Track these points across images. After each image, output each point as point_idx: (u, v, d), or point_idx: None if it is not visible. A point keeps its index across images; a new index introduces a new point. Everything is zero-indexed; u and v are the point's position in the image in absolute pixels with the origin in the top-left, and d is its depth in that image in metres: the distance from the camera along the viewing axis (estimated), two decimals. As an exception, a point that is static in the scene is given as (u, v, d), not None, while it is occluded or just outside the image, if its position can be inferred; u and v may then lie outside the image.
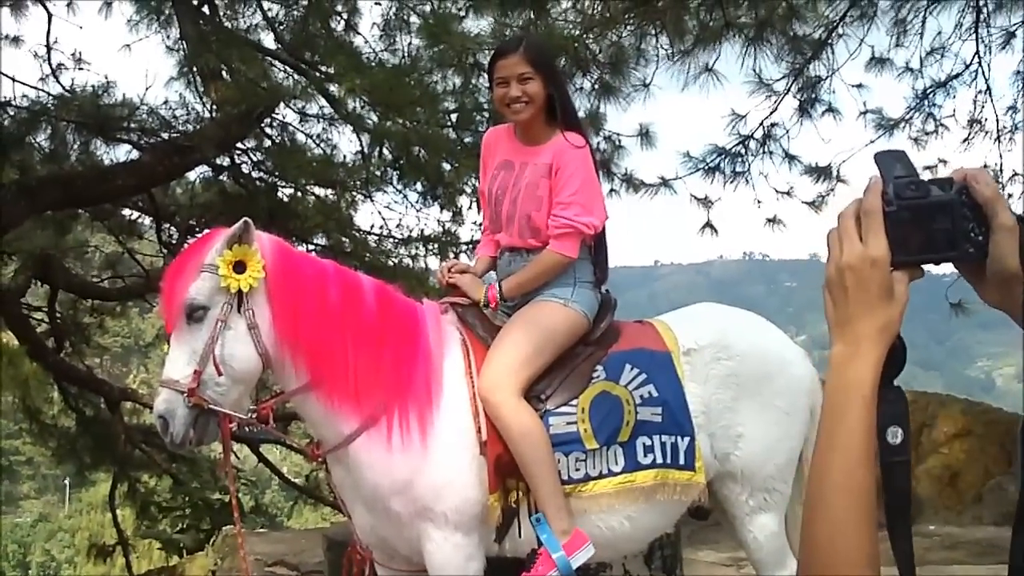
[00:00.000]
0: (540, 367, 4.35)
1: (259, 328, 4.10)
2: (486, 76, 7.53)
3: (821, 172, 12.37)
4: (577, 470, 4.31)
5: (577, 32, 10.46)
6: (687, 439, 4.46)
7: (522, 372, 4.28)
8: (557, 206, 4.44)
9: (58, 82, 11.96)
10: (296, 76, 10.80)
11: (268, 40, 11.36)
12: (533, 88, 4.43)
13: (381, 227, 12.54)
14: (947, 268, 1.59)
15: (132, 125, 10.71)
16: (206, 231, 4.48)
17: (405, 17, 11.27)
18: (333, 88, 10.35)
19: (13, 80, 10.91)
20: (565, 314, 4.46)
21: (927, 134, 12.53)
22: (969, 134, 12.50)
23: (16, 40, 12.28)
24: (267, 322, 4.12)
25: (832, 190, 12.43)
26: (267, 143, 11.99)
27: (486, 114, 10.28)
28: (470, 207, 11.91)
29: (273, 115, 11.44)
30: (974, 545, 9.19)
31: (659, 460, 4.41)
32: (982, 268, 1.51)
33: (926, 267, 1.53)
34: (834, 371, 1.51)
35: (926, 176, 1.53)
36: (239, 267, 4.06)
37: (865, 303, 1.49)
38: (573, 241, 4.47)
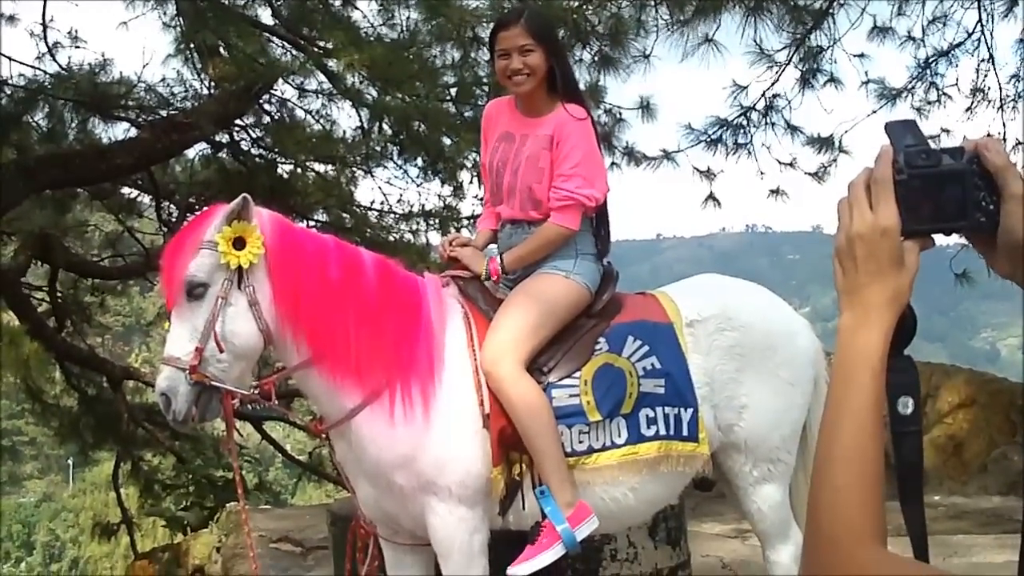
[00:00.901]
0: (543, 340, 4.33)
1: (260, 304, 4.09)
2: (486, 49, 7.51)
3: (823, 143, 12.32)
4: (580, 442, 4.30)
5: (576, 4, 10.40)
6: (690, 410, 4.44)
7: (525, 345, 4.26)
8: (559, 178, 4.41)
9: (55, 61, 11.89)
10: (294, 52, 10.76)
11: (265, 15, 11.31)
12: (534, 60, 4.40)
13: (382, 202, 12.55)
14: (952, 238, 1.58)
15: (130, 103, 10.69)
16: (205, 208, 4.45)
17: (403, -9, 11.21)
18: (332, 63, 10.30)
19: (10, 59, 10.87)
20: (567, 286, 4.44)
21: (930, 103, 12.50)
22: (972, 103, 12.48)
23: (12, 19, 12.21)
24: (268, 298, 4.11)
25: (835, 160, 12.39)
26: (266, 119, 11.98)
27: (486, 88, 10.25)
28: (471, 181, 11.91)
29: (271, 91, 11.42)
30: (979, 515, 9.18)
31: (662, 432, 4.39)
32: (993, 238, 1.49)
33: (935, 237, 1.52)
34: (842, 340, 1.50)
35: (934, 146, 1.50)
36: (239, 243, 4.04)
37: (875, 272, 1.48)
38: (575, 213, 4.44)
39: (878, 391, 1.47)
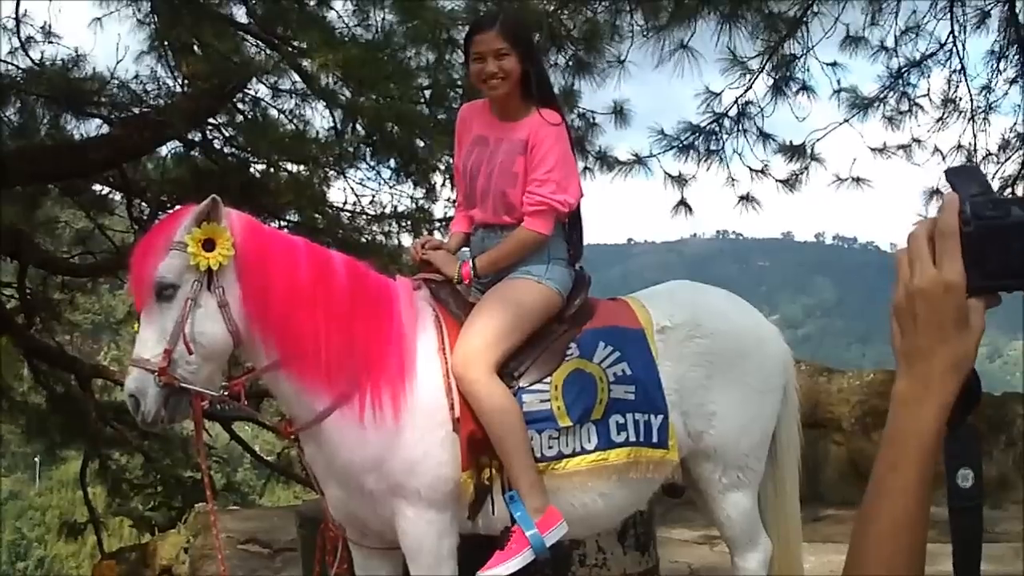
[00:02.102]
0: (514, 344, 4.33)
1: (229, 306, 4.07)
2: (460, 52, 7.50)
3: (795, 151, 12.36)
4: (550, 448, 4.30)
5: (551, 8, 10.42)
6: (660, 417, 4.45)
7: (496, 349, 4.26)
8: (532, 183, 4.42)
9: (27, 56, 11.80)
10: (268, 51, 10.72)
11: (240, 14, 11.25)
12: (509, 64, 4.41)
13: (354, 204, 12.51)
14: None
15: (103, 99, 10.63)
16: (176, 208, 4.44)
17: (378, -8, 11.20)
18: (306, 63, 10.28)
19: (-18, 54, 10.81)
20: (539, 291, 4.45)
21: (901, 113, 12.55)
22: (943, 114, 12.55)
23: (-15, 14, 12.13)
24: (237, 300, 4.10)
25: (806, 168, 12.43)
26: (239, 118, 11.92)
27: (460, 90, 10.25)
28: (443, 184, 11.89)
29: (245, 90, 11.37)
30: (947, 524, 9.18)
31: (632, 438, 4.40)
32: None
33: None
34: (896, 412, 1.39)
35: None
36: (208, 245, 4.03)
37: (937, 333, 1.36)
38: (548, 219, 4.45)
39: (927, 472, 1.37)
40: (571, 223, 4.65)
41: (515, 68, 4.42)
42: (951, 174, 1.43)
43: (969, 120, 12.40)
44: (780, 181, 12.54)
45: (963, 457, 1.40)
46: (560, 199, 4.42)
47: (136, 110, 10.64)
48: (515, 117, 4.53)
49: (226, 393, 4.25)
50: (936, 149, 12.76)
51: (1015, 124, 12.76)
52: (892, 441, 1.39)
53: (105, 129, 10.99)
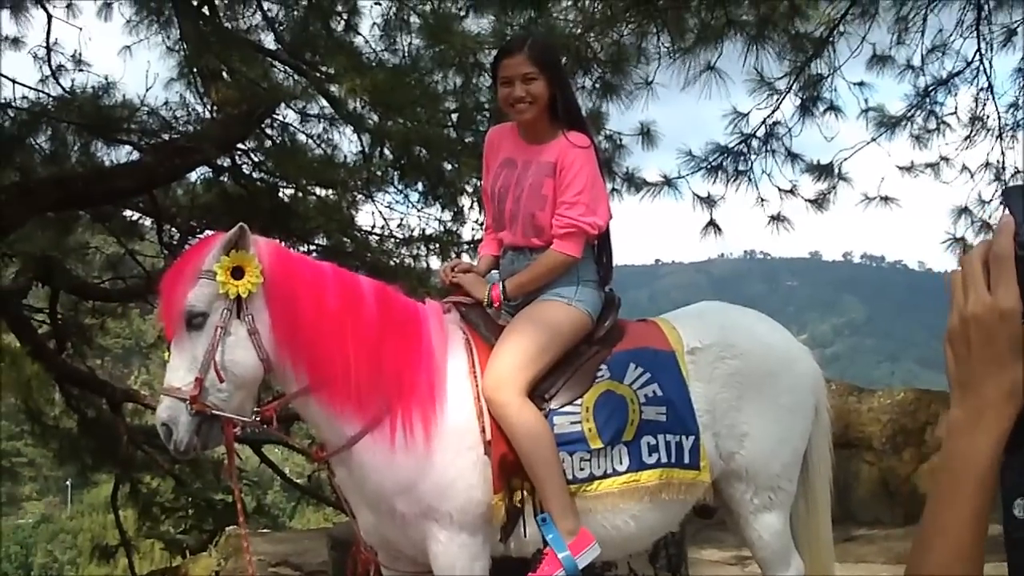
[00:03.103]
0: (544, 366, 4.34)
1: (259, 333, 4.09)
2: (487, 75, 7.52)
3: (823, 170, 12.34)
4: (582, 470, 4.31)
5: (578, 31, 10.45)
6: (692, 438, 4.45)
7: (527, 371, 4.27)
8: (561, 206, 4.43)
9: (58, 83, 11.94)
10: (296, 76, 10.80)
11: (268, 40, 11.36)
12: (537, 88, 4.43)
13: (382, 227, 12.54)
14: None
15: (133, 126, 10.71)
16: (203, 236, 4.46)
17: (405, 17, 11.26)
18: (334, 88, 10.35)
19: (13, 82, 10.91)
20: (569, 313, 4.45)
21: (928, 132, 12.49)
22: (971, 132, 12.46)
23: (16, 42, 12.23)
24: (267, 327, 4.11)
25: (834, 188, 12.40)
26: (268, 144, 11.99)
27: (487, 113, 10.28)
28: (471, 207, 11.91)
29: (274, 116, 11.45)
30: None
31: (664, 459, 4.40)
32: None
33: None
34: (949, 442, 1.36)
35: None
36: (237, 272, 4.05)
37: (992, 361, 1.32)
38: (577, 241, 4.46)
39: (981, 506, 1.34)
40: (600, 245, 4.66)
41: (543, 92, 4.44)
42: (1007, 196, 1.38)
43: (997, 138, 12.32)
44: (808, 201, 12.51)
45: (1020, 487, 1.36)
46: (589, 221, 4.43)
47: (166, 136, 10.72)
48: (543, 140, 4.54)
49: (258, 419, 4.26)
50: (964, 167, 12.68)
51: (1043, 141, 12.68)
52: (947, 470, 1.36)
53: (135, 156, 11.06)
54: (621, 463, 4.36)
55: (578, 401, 4.35)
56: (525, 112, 4.48)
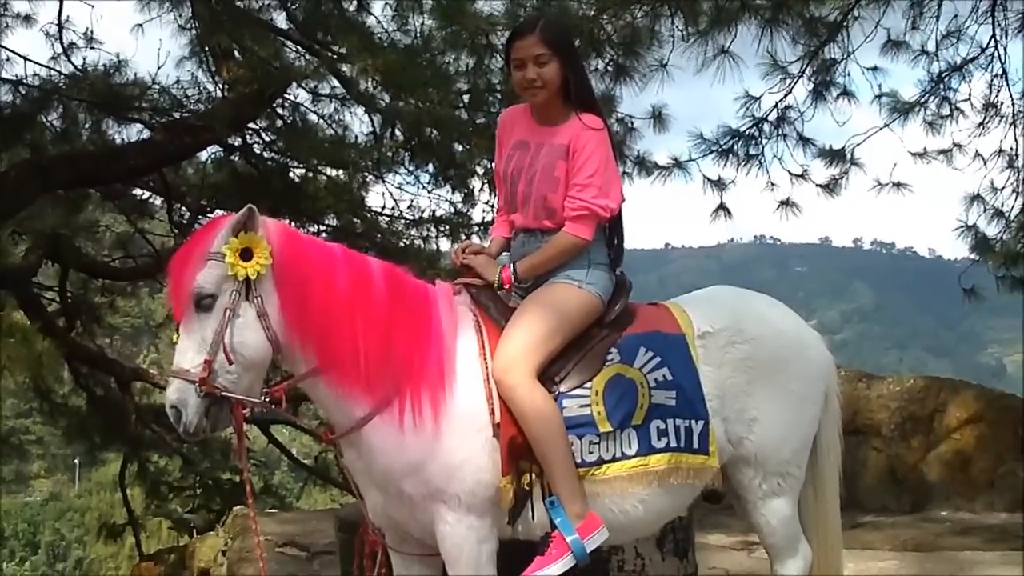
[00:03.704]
0: (554, 349, 4.32)
1: (268, 315, 4.06)
2: (499, 56, 7.49)
3: (835, 155, 12.31)
4: (591, 453, 4.29)
5: (591, 13, 10.40)
6: (701, 423, 4.44)
7: (536, 354, 4.25)
8: (574, 188, 4.41)
9: (70, 61, 11.96)
10: (308, 56, 10.80)
11: (280, 20, 11.35)
12: (549, 71, 4.40)
13: (392, 208, 12.58)
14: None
15: (144, 104, 10.75)
16: (213, 215, 4.45)
17: (418, -3, 11.24)
18: (345, 68, 10.34)
19: (25, 59, 10.95)
20: (579, 296, 4.43)
21: (942, 118, 12.44)
22: (985, 118, 12.41)
23: (28, 19, 12.25)
24: (276, 308, 4.09)
25: (845, 173, 12.37)
26: (279, 123, 12.02)
27: (499, 95, 10.27)
28: (482, 188, 11.91)
29: (285, 95, 11.47)
30: (986, 531, 9.16)
31: (673, 444, 4.39)
32: None
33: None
34: None
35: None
36: (246, 254, 4.03)
37: None
38: (589, 224, 4.44)
39: None
40: (612, 227, 4.63)
41: (555, 74, 4.42)
42: None
43: (1011, 125, 12.26)
44: (820, 186, 12.48)
45: None
46: (602, 204, 4.41)
47: (177, 115, 10.75)
48: (556, 122, 4.52)
49: (267, 400, 4.24)
50: (977, 154, 12.63)
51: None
52: None
53: (146, 134, 11.11)
54: (630, 447, 4.34)
55: (588, 384, 4.33)
56: (537, 95, 4.46)
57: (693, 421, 4.43)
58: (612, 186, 4.49)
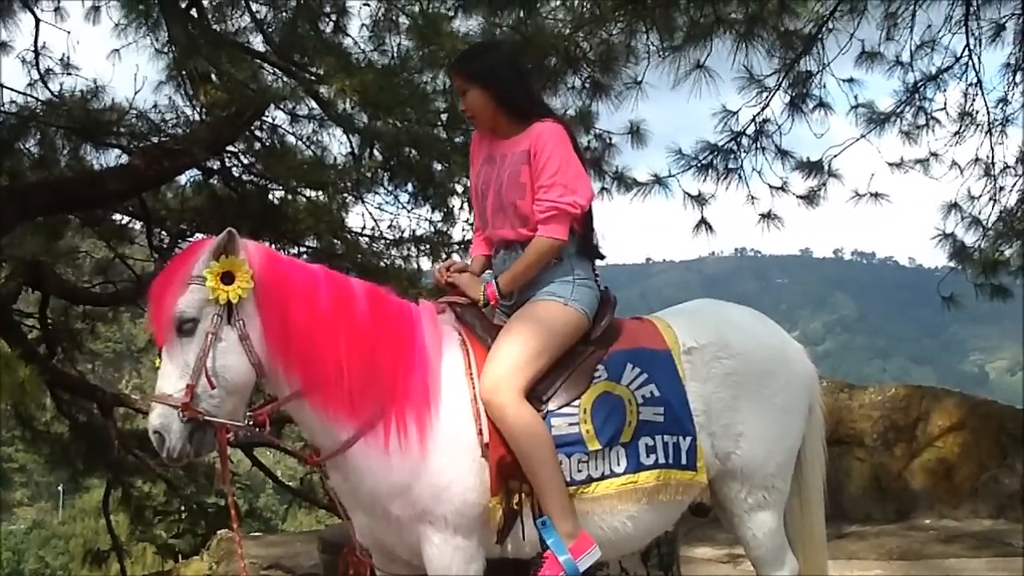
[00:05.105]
0: (542, 367, 4.32)
1: (250, 338, 4.05)
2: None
3: (813, 167, 12.38)
4: (580, 471, 4.28)
5: (567, 31, 10.44)
6: (689, 439, 4.44)
7: (524, 372, 4.25)
8: (539, 190, 4.42)
9: (47, 87, 11.96)
10: (285, 78, 10.80)
11: (257, 42, 11.37)
12: (473, 100, 4.53)
13: (372, 228, 12.56)
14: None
15: (122, 129, 10.71)
16: (192, 240, 4.44)
17: (394, 17, 11.28)
18: (323, 89, 10.34)
19: (1, 86, 10.89)
20: (565, 313, 4.43)
21: (918, 128, 12.54)
22: (960, 127, 12.51)
23: (4, 46, 12.24)
24: (258, 332, 4.07)
25: (824, 184, 12.44)
26: (257, 145, 12.00)
27: (476, 114, 10.26)
28: (461, 207, 11.92)
29: (263, 117, 11.45)
30: (970, 538, 9.20)
31: (661, 460, 4.39)
32: None
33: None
34: None
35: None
36: (227, 278, 4.01)
37: None
38: (561, 223, 4.44)
39: None
40: (584, 223, 4.63)
41: (480, 101, 4.51)
42: None
43: (986, 133, 12.37)
44: (799, 197, 12.55)
45: None
46: (569, 201, 4.41)
47: (155, 139, 10.71)
48: (516, 133, 4.55)
49: (251, 423, 4.22)
50: (954, 163, 12.72)
51: (1033, 136, 12.72)
52: None
53: (124, 159, 11.06)
54: (619, 464, 4.34)
55: (576, 402, 4.33)
56: (476, 124, 4.65)
57: (681, 437, 4.43)
58: (578, 182, 4.48)
